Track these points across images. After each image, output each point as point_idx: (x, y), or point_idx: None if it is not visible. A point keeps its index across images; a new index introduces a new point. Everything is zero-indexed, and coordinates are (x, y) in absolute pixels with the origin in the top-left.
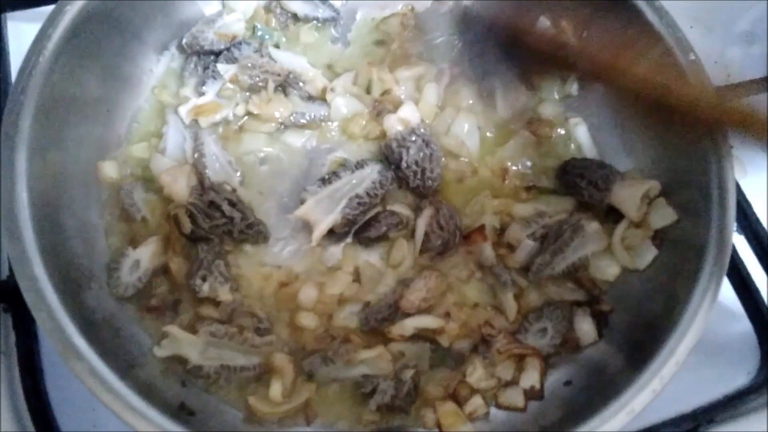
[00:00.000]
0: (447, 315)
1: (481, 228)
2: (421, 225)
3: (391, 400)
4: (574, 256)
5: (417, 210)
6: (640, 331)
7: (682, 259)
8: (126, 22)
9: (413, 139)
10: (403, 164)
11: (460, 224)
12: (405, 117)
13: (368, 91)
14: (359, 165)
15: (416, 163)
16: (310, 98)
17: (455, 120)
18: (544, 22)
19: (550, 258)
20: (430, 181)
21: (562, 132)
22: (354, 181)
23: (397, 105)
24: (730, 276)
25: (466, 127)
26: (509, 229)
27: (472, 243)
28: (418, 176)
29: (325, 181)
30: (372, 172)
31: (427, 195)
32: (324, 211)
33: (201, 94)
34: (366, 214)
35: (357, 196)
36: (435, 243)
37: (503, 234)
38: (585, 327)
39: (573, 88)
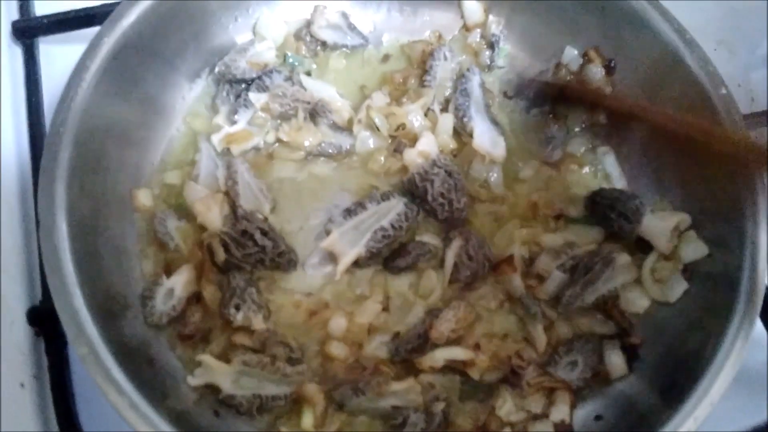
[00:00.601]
0: (477, 347)
1: (510, 258)
2: (451, 256)
3: None
4: (604, 288)
5: (446, 240)
6: (672, 366)
7: (714, 294)
8: (160, 51)
9: (435, 171)
10: (429, 198)
11: (489, 254)
12: (425, 150)
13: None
14: (385, 196)
15: (442, 195)
16: (338, 128)
17: (475, 160)
18: (570, 51)
19: (581, 290)
20: (458, 212)
21: (588, 170)
22: (379, 213)
23: (413, 138)
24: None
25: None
26: (538, 259)
27: (501, 273)
28: (446, 208)
29: (350, 212)
30: (398, 204)
31: (456, 225)
32: (349, 243)
33: (233, 122)
34: (391, 246)
35: (382, 228)
36: (464, 274)
37: (532, 264)
38: (615, 360)
39: (601, 116)
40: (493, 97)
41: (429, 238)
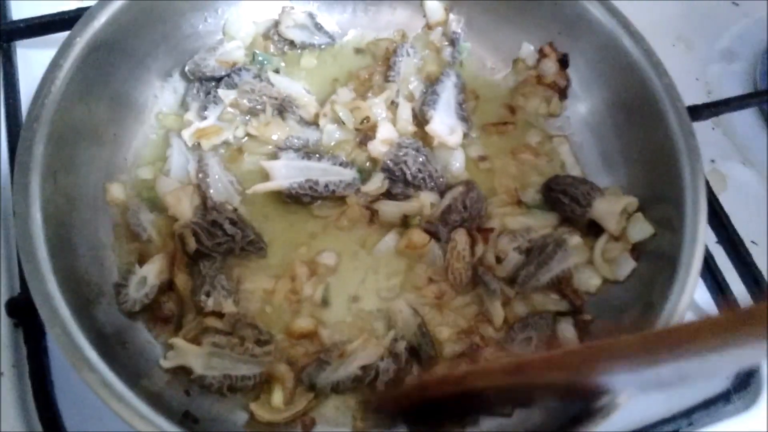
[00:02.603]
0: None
1: (489, 230)
2: (449, 197)
3: (395, 375)
4: (557, 268)
5: (449, 189)
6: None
7: (658, 270)
8: (132, 51)
9: (403, 152)
10: (410, 177)
11: (482, 213)
12: (386, 137)
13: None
14: (345, 164)
15: (419, 171)
16: (305, 123)
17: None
18: (527, 47)
19: (535, 270)
20: (441, 179)
21: (544, 159)
22: (328, 171)
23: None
24: (709, 286)
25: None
26: (498, 240)
27: (475, 241)
28: (428, 181)
29: (308, 155)
30: (348, 176)
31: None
32: (283, 175)
33: (203, 118)
34: (313, 199)
35: (316, 182)
36: (453, 217)
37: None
38: (568, 336)
39: (557, 107)
40: (475, 97)
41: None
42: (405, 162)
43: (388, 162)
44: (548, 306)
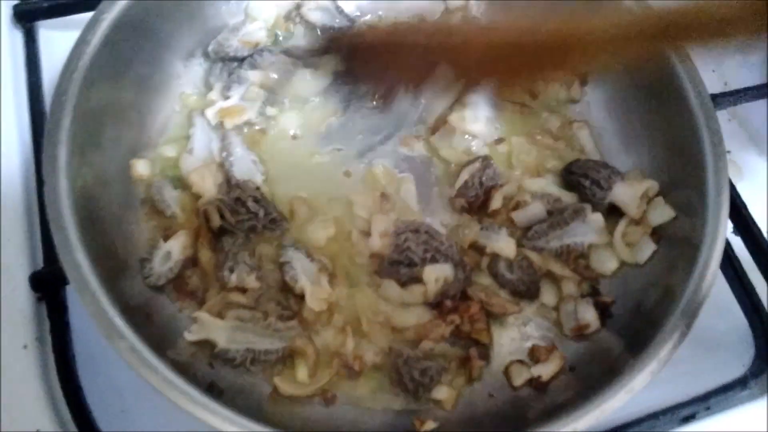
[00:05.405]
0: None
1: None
2: (466, 173)
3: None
4: (569, 239)
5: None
6: (639, 319)
7: (679, 254)
8: (156, 30)
9: (402, 239)
10: (418, 261)
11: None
12: (381, 230)
13: None
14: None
15: (426, 250)
16: None
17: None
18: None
19: (547, 229)
20: (450, 248)
21: (564, 144)
22: None
23: None
24: (726, 274)
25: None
26: (521, 194)
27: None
28: (437, 257)
29: None
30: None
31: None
32: None
33: (226, 97)
34: None
35: None
36: (470, 194)
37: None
38: (588, 317)
39: (577, 93)
40: None
41: None
42: (408, 248)
43: (393, 255)
44: (550, 267)
